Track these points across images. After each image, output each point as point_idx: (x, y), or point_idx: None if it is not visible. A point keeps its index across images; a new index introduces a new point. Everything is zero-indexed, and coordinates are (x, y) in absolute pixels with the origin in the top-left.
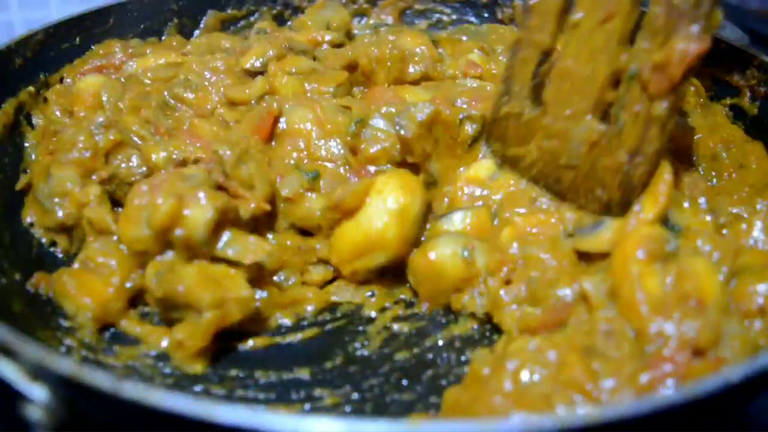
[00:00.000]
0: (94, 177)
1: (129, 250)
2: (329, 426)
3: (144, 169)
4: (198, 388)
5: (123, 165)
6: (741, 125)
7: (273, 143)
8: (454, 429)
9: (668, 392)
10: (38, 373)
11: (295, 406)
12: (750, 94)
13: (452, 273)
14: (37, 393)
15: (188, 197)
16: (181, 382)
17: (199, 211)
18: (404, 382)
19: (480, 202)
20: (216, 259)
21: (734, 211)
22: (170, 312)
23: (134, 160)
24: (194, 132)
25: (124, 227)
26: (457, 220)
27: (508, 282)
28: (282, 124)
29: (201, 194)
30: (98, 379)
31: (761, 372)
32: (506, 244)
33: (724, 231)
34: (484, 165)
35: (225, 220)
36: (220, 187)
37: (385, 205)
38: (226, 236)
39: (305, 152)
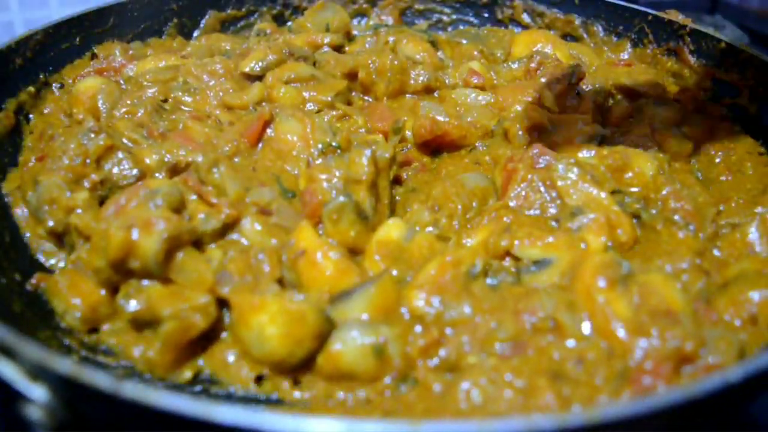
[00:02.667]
0: (85, 183)
1: (96, 279)
2: (329, 426)
3: (136, 171)
4: (198, 388)
5: (115, 169)
6: (740, 125)
7: (259, 146)
8: (454, 429)
9: (668, 392)
10: (38, 373)
11: (295, 407)
12: (750, 94)
13: (364, 374)
14: (37, 393)
15: (140, 225)
16: (181, 383)
17: (150, 240)
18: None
19: (383, 273)
20: None
21: (732, 221)
22: (142, 329)
23: (126, 164)
24: (187, 134)
25: (90, 257)
26: (358, 307)
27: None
28: (270, 131)
29: (154, 221)
30: (98, 379)
31: (761, 372)
32: (422, 311)
33: (719, 243)
34: (394, 225)
35: (179, 244)
36: (199, 195)
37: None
38: (179, 257)
39: (282, 163)
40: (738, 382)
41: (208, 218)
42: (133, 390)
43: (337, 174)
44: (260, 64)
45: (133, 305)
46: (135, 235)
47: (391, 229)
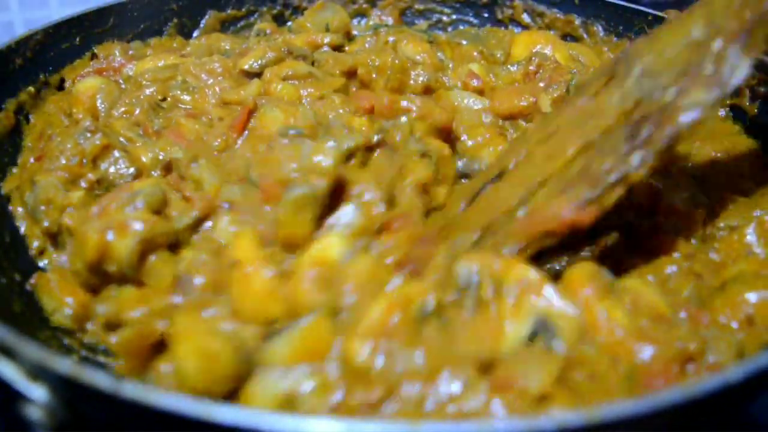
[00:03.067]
0: (82, 183)
1: (77, 281)
2: (329, 426)
3: (133, 170)
4: None
5: (111, 168)
6: (740, 126)
7: (245, 136)
8: (454, 429)
9: (668, 392)
10: (38, 373)
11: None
12: (750, 94)
13: None
14: (37, 393)
15: (115, 227)
16: None
17: (124, 242)
18: None
19: (317, 311)
20: None
21: (730, 223)
22: (113, 331)
23: (122, 163)
24: (179, 131)
25: (72, 258)
26: (281, 350)
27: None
28: (252, 122)
29: (130, 223)
30: (98, 379)
31: (761, 372)
32: (366, 364)
33: (716, 245)
34: (333, 242)
35: (153, 247)
36: (178, 191)
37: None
38: (152, 260)
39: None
40: (738, 382)
41: (181, 215)
42: (133, 390)
43: (295, 164)
44: (259, 61)
45: (102, 309)
46: (110, 237)
47: (329, 247)
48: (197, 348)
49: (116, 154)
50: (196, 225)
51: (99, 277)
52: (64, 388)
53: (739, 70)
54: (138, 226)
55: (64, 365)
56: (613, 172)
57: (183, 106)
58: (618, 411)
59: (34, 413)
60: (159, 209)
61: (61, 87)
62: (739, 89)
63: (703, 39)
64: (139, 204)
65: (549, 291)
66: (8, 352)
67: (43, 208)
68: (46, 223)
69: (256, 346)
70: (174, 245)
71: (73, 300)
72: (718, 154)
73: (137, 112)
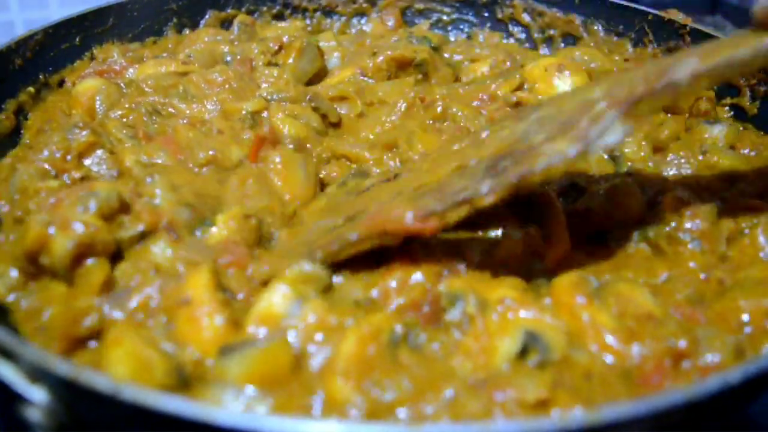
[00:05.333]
0: (65, 178)
1: (14, 267)
2: (329, 427)
3: (115, 172)
4: None
5: (95, 167)
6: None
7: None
8: (453, 429)
9: (668, 393)
10: (38, 375)
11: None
12: (750, 93)
13: None
14: (37, 395)
15: (59, 224)
16: None
17: (62, 241)
18: None
19: (279, 334)
20: None
21: (741, 228)
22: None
23: (106, 163)
24: (172, 138)
25: (14, 243)
26: (235, 370)
27: None
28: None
29: (72, 223)
30: (97, 381)
31: (761, 372)
32: (351, 401)
33: (729, 253)
34: (278, 294)
35: (90, 252)
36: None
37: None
38: (87, 264)
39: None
40: (738, 382)
41: (125, 227)
42: (132, 392)
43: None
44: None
45: (24, 302)
46: (51, 231)
47: (273, 298)
48: (131, 354)
49: (101, 153)
50: (141, 239)
51: (34, 267)
52: (64, 389)
53: (612, 133)
54: (79, 228)
55: (64, 367)
56: (462, 193)
57: (182, 114)
58: (618, 411)
59: (34, 415)
60: (111, 215)
61: (61, 87)
62: (739, 88)
63: (595, 100)
64: (91, 206)
65: (530, 306)
66: (8, 354)
67: (17, 197)
68: (18, 212)
69: (194, 372)
70: (116, 255)
71: (17, 273)
72: (752, 152)
73: (134, 116)
